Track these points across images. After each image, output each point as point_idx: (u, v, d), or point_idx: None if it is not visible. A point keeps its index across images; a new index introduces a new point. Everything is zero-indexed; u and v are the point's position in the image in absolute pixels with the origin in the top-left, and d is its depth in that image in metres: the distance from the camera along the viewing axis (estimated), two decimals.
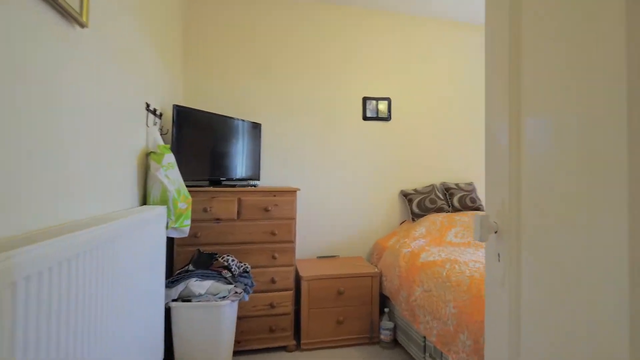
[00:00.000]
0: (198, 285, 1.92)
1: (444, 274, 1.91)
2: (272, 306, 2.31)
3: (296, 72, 2.89)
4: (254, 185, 2.46)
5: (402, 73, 3.11)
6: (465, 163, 3.26)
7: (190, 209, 1.93)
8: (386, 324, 2.40)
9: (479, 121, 3.30)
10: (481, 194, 3.33)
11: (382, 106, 3.05)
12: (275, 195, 2.34)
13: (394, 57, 3.09)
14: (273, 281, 2.32)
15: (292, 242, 2.36)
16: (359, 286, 2.46)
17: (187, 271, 2.01)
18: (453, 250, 2.30)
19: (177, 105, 2.15)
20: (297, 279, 2.44)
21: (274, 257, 2.31)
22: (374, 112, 3.03)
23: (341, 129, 2.98)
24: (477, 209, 3.05)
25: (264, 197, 2.32)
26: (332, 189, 2.95)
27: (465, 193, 3.07)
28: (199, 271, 2.00)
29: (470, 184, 3.17)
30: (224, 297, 1.91)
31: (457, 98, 3.24)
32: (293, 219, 2.36)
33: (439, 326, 1.73)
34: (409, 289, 2.11)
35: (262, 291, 2.30)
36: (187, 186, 2.17)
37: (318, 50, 2.93)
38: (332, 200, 2.95)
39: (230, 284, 2.00)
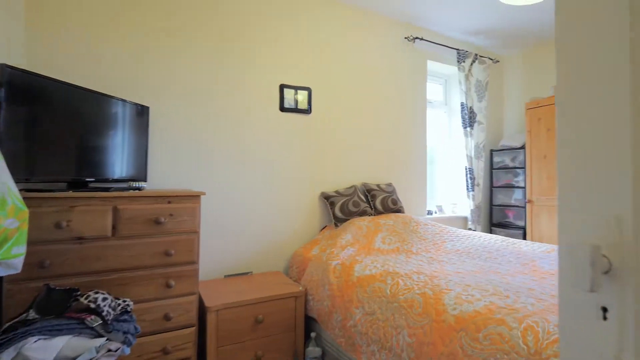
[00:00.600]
0: (41, 349, 1.21)
1: (388, 291, 1.62)
2: (165, 352, 1.70)
3: (202, 45, 2.29)
4: (139, 188, 1.80)
5: (324, 62, 2.79)
6: (383, 163, 3.13)
7: (25, 227, 1.21)
8: (313, 351, 2.02)
9: (395, 121, 3.20)
10: (400, 195, 3.25)
11: (302, 97, 2.67)
12: (170, 202, 1.74)
13: (316, 44, 2.75)
14: (167, 318, 1.71)
15: (195, 262, 1.79)
16: (281, 310, 2.03)
17: (26, 322, 1.29)
18: (386, 260, 2.06)
19: (10, 67, 1.38)
20: (202, 311, 1.88)
21: (168, 286, 1.70)
22: (293, 102, 2.63)
23: (254, 121, 2.49)
24: (398, 210, 2.93)
25: (155, 205, 1.70)
26: (244, 192, 2.44)
27: (387, 194, 2.91)
28: (46, 322, 1.29)
29: (390, 184, 3.04)
30: None
31: (377, 96, 3.08)
32: (196, 232, 1.79)
33: (391, 359, 1.43)
34: (345, 311, 1.77)
35: (151, 333, 1.67)
36: (28, 190, 1.43)
37: (231, 25, 2.39)
38: (243, 205, 2.44)
39: (100, 336, 1.34)
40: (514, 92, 3.99)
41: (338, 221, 2.61)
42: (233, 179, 2.40)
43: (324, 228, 2.73)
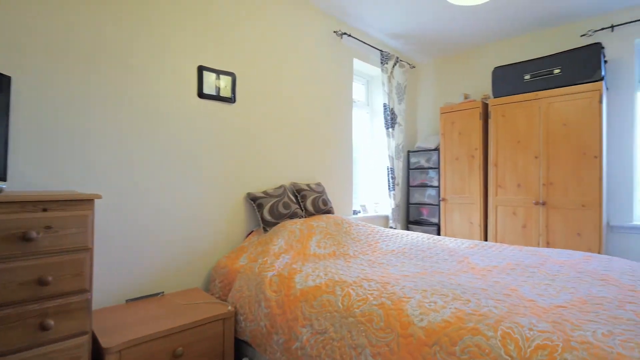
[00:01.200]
0: None
1: (340, 304, 1.43)
2: None
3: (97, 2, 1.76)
4: None
5: (250, 45, 2.47)
6: (312, 162, 2.95)
7: None
8: None
9: (322, 119, 3.06)
10: (328, 195, 3.11)
11: (225, 83, 2.31)
12: (46, 210, 1.24)
13: (239, 23, 2.41)
14: None
15: (86, 291, 1.32)
16: (206, 337, 1.66)
17: None
18: (327, 266, 1.87)
19: None
20: (97, 353, 1.40)
21: (44, 328, 1.21)
22: (214, 89, 2.26)
23: (166, 106, 2.04)
24: (329, 211, 2.78)
25: (21, 214, 1.19)
26: (152, 194, 1.98)
27: (318, 195, 2.74)
28: None
29: (319, 184, 2.87)
30: None
31: (305, 90, 2.89)
32: (87, 249, 1.32)
33: None
34: (289, 331, 1.52)
35: None
36: None
37: None
38: (150, 210, 1.97)
39: None
40: (428, 96, 4.24)
41: (267, 225, 2.33)
42: (138, 177, 1.92)
43: (250, 233, 2.41)
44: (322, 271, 1.76)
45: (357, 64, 3.54)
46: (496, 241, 3.20)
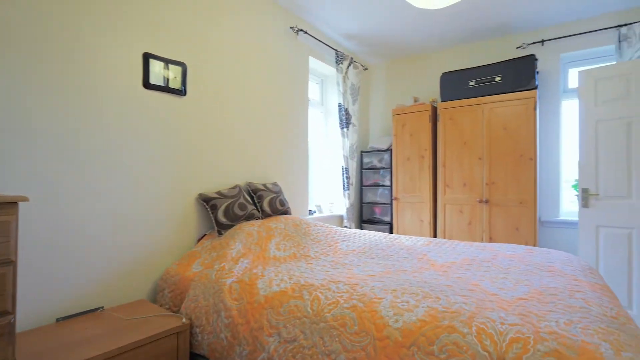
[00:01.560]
0: None
1: (310, 309, 1.36)
2: None
3: None
4: None
5: (202, 35, 2.29)
6: (267, 161, 2.84)
7: None
8: None
9: (278, 116, 2.97)
10: (286, 195, 3.02)
11: (174, 74, 2.12)
12: None
13: (194, 9, 2.23)
14: None
15: (9, 313, 1.09)
16: (157, 355, 1.49)
17: None
18: (290, 269, 1.79)
19: None
20: None
21: None
22: (162, 79, 2.05)
23: (107, 97, 1.81)
24: (286, 212, 2.69)
25: None
26: (89, 195, 1.73)
27: (275, 195, 2.64)
28: None
29: (276, 184, 2.77)
30: None
31: (260, 86, 2.77)
32: (9, 262, 1.10)
33: None
34: (254, 342, 1.41)
35: None
36: None
37: None
38: (88, 214, 1.73)
39: None
40: (379, 98, 4.34)
41: (222, 228, 2.18)
42: (72, 177, 1.67)
43: (202, 237, 2.24)
44: (286, 275, 1.67)
45: (313, 63, 3.50)
46: (444, 238, 3.36)
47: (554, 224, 3.26)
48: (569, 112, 3.32)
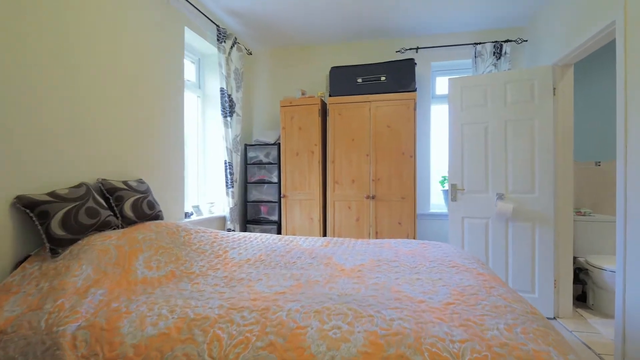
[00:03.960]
0: None
1: (207, 356, 0.96)
2: None
3: None
4: None
5: None
6: (130, 152, 2.19)
7: None
8: None
9: (146, 98, 2.34)
10: (156, 195, 2.41)
11: None
12: None
13: None
14: None
15: None
16: None
17: None
18: (169, 296, 1.32)
19: None
20: None
21: None
22: None
23: None
24: (157, 217, 2.12)
25: None
26: None
27: (141, 195, 2.03)
28: None
29: (142, 181, 2.16)
30: None
31: (122, 58, 2.10)
32: None
33: None
34: None
35: None
36: None
37: None
38: None
39: None
40: (265, 87, 4.02)
41: (59, 245, 1.51)
42: None
43: (23, 261, 1.51)
44: (165, 306, 1.21)
45: (189, 36, 2.93)
46: (335, 235, 3.30)
47: (426, 217, 3.58)
48: (437, 116, 3.70)
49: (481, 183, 2.99)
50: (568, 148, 2.82)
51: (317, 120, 3.35)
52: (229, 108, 3.15)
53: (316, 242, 2.25)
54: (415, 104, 3.14)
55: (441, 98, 3.69)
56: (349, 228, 3.27)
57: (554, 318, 2.80)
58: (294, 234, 3.41)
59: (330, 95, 3.37)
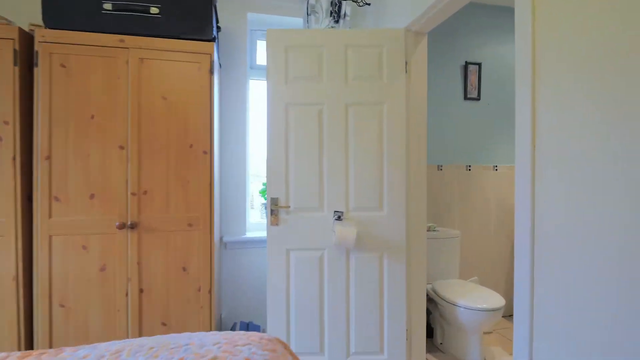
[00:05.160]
0: None
1: None
2: None
3: None
4: None
5: None
6: None
7: None
8: None
9: None
10: None
11: None
12: None
13: None
14: None
15: None
16: None
17: None
18: None
19: None
20: None
21: None
22: None
23: None
24: None
25: None
26: None
27: None
28: None
29: None
30: None
31: None
32: None
33: None
34: None
35: None
36: None
37: None
38: None
39: None
40: None
41: None
42: None
43: None
44: None
45: None
46: (52, 301, 1.68)
47: (239, 245, 2.36)
48: (258, 95, 2.53)
49: (314, 197, 1.95)
50: (422, 147, 2.08)
51: (11, 73, 1.64)
52: None
53: None
54: (212, 63, 1.85)
55: (264, 71, 2.54)
56: (86, 286, 1.71)
57: None
58: None
59: (46, 27, 1.71)
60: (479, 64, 2.81)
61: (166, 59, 1.78)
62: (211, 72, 1.84)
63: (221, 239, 2.30)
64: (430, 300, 2.44)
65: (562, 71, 1.09)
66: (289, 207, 1.94)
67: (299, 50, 1.95)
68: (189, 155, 1.81)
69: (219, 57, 2.25)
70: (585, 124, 1.02)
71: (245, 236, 2.36)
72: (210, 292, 1.83)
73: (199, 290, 1.81)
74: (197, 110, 1.82)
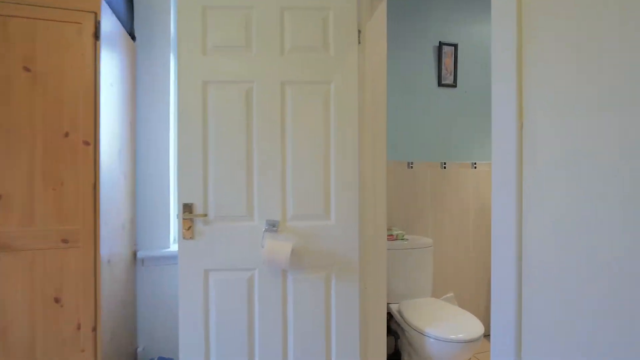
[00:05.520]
0: None
1: None
2: None
3: None
4: None
5: None
6: None
7: None
8: None
9: None
10: None
11: None
12: None
13: None
14: None
15: None
16: None
17: None
18: None
19: None
20: None
21: None
22: None
23: None
24: None
25: None
26: None
27: None
28: None
29: None
30: None
31: None
32: None
33: None
34: None
35: None
36: None
37: None
38: None
39: None
40: None
41: None
42: None
43: None
44: None
45: None
46: None
47: (159, 262, 1.90)
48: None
49: (241, 202, 1.51)
50: (381, 137, 1.66)
51: None
52: None
53: None
54: (98, 27, 1.39)
55: None
56: None
57: None
58: None
59: None
60: (455, 45, 2.42)
61: (29, 15, 1.31)
62: (96, 36, 1.38)
63: (134, 253, 1.84)
64: (397, 324, 2.03)
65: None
66: (207, 215, 1.49)
67: (221, 12, 1.51)
68: (63, 146, 1.34)
69: (128, 25, 1.79)
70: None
71: (168, 250, 1.90)
72: (94, 329, 1.36)
73: (79, 328, 1.35)
74: (76, 87, 1.35)
